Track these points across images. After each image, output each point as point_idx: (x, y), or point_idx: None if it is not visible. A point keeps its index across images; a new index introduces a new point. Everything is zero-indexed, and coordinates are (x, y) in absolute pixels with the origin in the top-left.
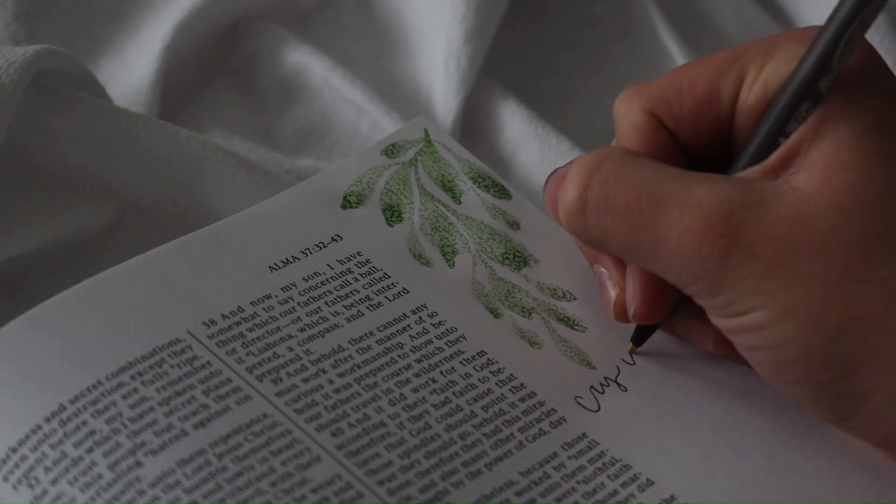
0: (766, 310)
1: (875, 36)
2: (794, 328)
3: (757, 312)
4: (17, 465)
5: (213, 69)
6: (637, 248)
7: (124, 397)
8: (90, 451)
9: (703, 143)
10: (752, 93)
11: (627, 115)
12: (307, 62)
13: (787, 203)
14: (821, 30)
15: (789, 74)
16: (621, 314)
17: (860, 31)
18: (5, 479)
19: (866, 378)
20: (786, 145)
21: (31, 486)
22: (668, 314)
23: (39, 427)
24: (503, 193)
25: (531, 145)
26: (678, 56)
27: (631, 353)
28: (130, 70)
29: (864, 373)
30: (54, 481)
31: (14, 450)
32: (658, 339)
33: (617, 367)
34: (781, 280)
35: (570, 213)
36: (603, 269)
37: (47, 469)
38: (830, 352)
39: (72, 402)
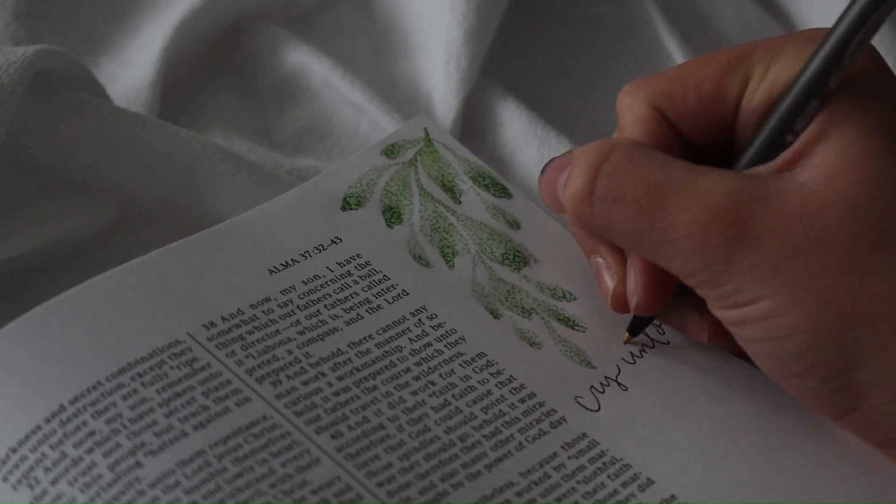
0: (772, 300)
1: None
2: (800, 318)
3: (763, 302)
4: (16, 466)
5: (213, 69)
6: (643, 237)
7: (124, 398)
8: (90, 451)
9: (706, 140)
10: (756, 94)
11: (632, 108)
12: (307, 62)
13: (793, 198)
14: (832, 28)
15: (795, 75)
16: (619, 305)
17: (872, 30)
18: (5, 479)
19: (869, 371)
20: (792, 147)
21: (30, 487)
22: (667, 305)
23: (39, 427)
24: (503, 193)
25: (531, 145)
26: (678, 56)
27: (626, 342)
28: (130, 70)
29: (867, 365)
30: (54, 482)
31: (14, 450)
32: (659, 337)
33: (617, 366)
34: (788, 271)
35: (577, 201)
36: (600, 260)
37: (47, 469)
38: (835, 343)
39: (72, 402)
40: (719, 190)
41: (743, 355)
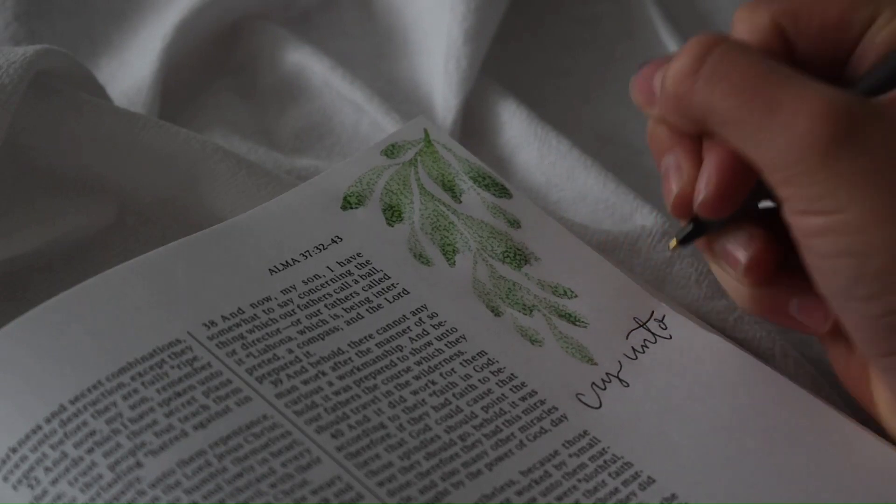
0: (863, 210)
1: None
2: (889, 236)
3: (851, 212)
4: (17, 466)
5: (213, 69)
6: (741, 119)
7: (125, 398)
8: (90, 451)
9: (818, 69)
10: (881, 33)
11: (751, 19)
12: (307, 62)
13: None
14: None
15: None
16: (683, 207)
17: None
18: (5, 479)
19: None
20: None
21: (31, 487)
22: (733, 210)
23: (40, 427)
24: (503, 193)
25: (531, 145)
26: None
27: (672, 249)
28: (130, 70)
29: None
30: (54, 481)
31: (14, 450)
32: (660, 332)
33: (619, 362)
34: (885, 182)
35: (681, 77)
36: (672, 160)
37: (47, 469)
38: None
39: (72, 402)
40: (831, 92)
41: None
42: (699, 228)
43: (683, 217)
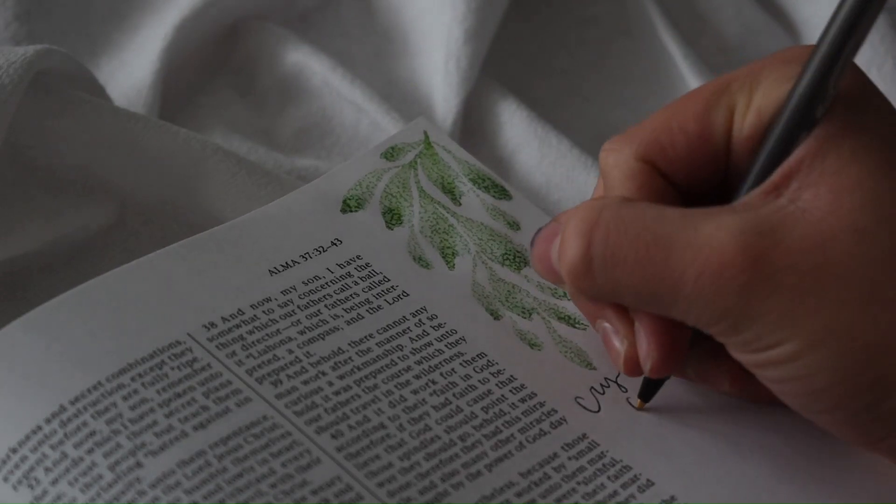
0: (796, 341)
1: (875, 35)
2: (827, 357)
3: (786, 345)
4: (17, 466)
5: (213, 69)
6: (652, 296)
7: (125, 398)
8: (90, 451)
9: (699, 182)
10: (745, 122)
11: (619, 165)
12: (307, 62)
13: (800, 228)
14: (811, 55)
15: (782, 99)
16: (633, 368)
17: (854, 50)
18: (5, 479)
19: None
20: (787, 162)
21: (31, 487)
22: (682, 363)
23: (40, 428)
24: (503, 194)
25: (531, 145)
26: (678, 56)
27: (639, 409)
28: (130, 70)
29: None
30: (55, 482)
31: (14, 450)
32: None
33: None
34: (808, 309)
35: (577, 274)
36: (607, 325)
37: (48, 470)
38: (864, 376)
39: (72, 402)
40: (722, 234)
41: (765, 400)
42: (657, 379)
43: (640, 375)
